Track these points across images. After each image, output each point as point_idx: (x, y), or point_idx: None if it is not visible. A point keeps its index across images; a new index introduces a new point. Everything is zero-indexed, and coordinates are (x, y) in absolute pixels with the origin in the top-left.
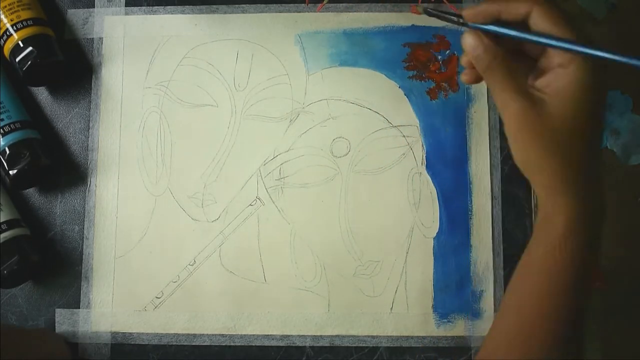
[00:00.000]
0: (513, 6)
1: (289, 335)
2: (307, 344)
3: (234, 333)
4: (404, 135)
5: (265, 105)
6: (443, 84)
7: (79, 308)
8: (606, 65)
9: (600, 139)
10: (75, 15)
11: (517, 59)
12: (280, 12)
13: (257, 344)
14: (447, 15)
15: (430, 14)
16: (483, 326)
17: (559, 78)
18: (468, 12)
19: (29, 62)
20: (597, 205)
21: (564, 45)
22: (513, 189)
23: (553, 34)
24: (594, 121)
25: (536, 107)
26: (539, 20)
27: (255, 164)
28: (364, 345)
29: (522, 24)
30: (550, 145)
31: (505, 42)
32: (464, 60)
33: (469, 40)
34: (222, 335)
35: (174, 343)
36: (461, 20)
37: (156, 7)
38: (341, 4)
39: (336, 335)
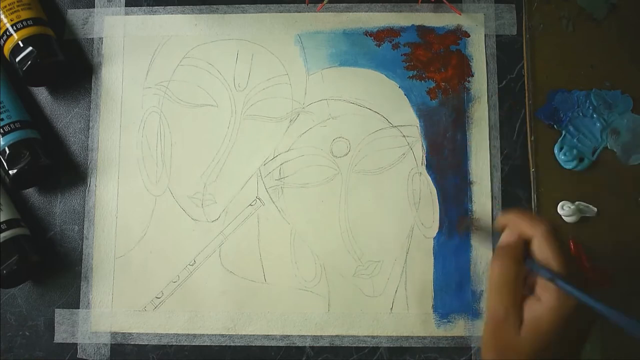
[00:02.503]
0: (524, 227)
1: (289, 335)
2: (307, 344)
3: (234, 333)
4: (404, 135)
5: (265, 105)
6: (443, 84)
7: (79, 308)
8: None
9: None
10: (75, 15)
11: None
12: (280, 12)
13: (257, 344)
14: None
15: (472, 229)
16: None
17: (536, 307)
18: (512, 227)
19: (29, 62)
20: None
21: (561, 285)
22: (513, 189)
23: (545, 264)
24: (559, 351)
25: (514, 325)
26: (537, 248)
27: (255, 164)
28: (364, 345)
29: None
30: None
31: None
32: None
33: (509, 235)
34: (222, 335)
35: (174, 343)
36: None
37: (156, 7)
38: (341, 4)
39: (336, 335)
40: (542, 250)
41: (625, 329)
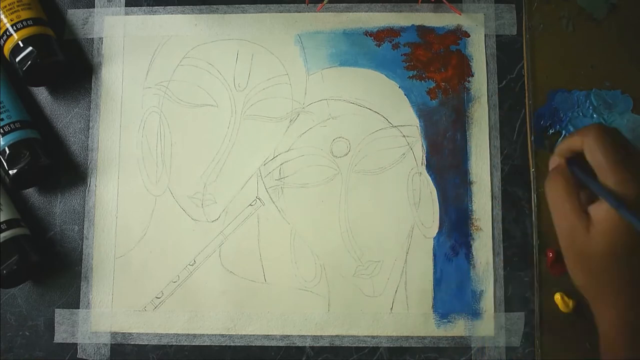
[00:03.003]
0: (572, 141)
1: (289, 335)
2: (307, 344)
3: (234, 333)
4: (404, 135)
5: (265, 105)
6: (443, 84)
7: (79, 308)
8: None
9: None
10: (75, 15)
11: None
12: (280, 12)
13: (257, 344)
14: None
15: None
16: (483, 326)
17: (600, 206)
18: (558, 147)
19: (29, 62)
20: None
21: (604, 197)
22: (513, 189)
23: (598, 173)
24: (626, 250)
25: (581, 230)
26: (588, 154)
27: (255, 164)
28: (364, 345)
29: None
30: (585, 268)
31: None
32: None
33: (554, 160)
34: (222, 335)
35: (174, 343)
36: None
37: (156, 7)
38: (341, 4)
39: (336, 335)
40: (593, 157)
41: None
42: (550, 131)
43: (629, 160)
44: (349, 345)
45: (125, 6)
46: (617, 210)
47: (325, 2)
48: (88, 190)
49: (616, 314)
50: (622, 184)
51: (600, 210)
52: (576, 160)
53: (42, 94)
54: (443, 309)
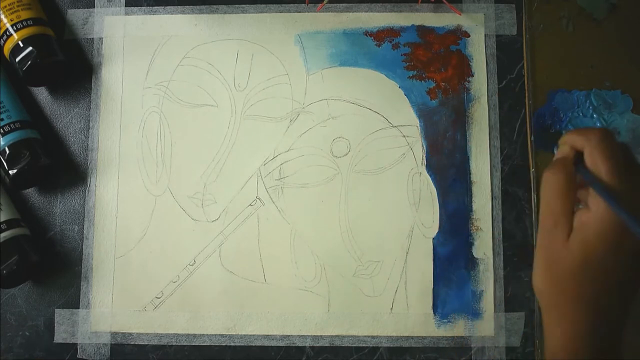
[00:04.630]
0: (576, 139)
1: (289, 335)
2: (307, 344)
3: (234, 333)
4: (404, 135)
5: (265, 105)
6: (443, 84)
7: (79, 308)
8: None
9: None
10: (75, 15)
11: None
12: (280, 12)
13: (257, 344)
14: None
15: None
16: (483, 326)
17: (584, 214)
18: (565, 138)
19: (29, 62)
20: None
21: (603, 196)
22: (513, 189)
23: (596, 172)
24: (610, 267)
25: (562, 233)
26: (588, 157)
27: (255, 164)
28: (364, 345)
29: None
30: (554, 275)
31: None
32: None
33: (563, 150)
34: (222, 335)
35: (174, 343)
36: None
37: (156, 7)
38: (341, 4)
39: (336, 335)
40: (593, 158)
41: None
42: (551, 131)
43: (628, 174)
44: (349, 345)
45: (125, 6)
46: (620, 214)
47: (325, 2)
48: (88, 190)
49: (569, 329)
50: (620, 195)
51: (586, 218)
52: (582, 159)
53: (42, 94)
54: (443, 309)
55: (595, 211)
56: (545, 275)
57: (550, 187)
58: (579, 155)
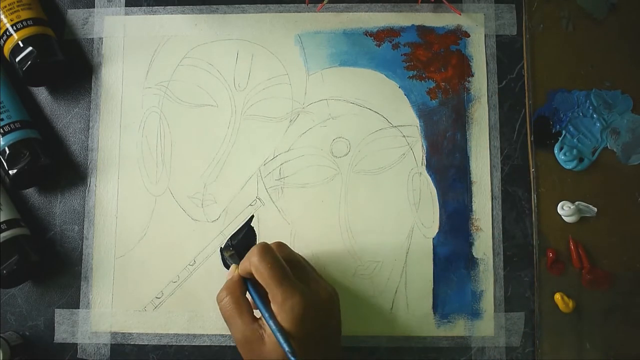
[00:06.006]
0: (245, 264)
1: None
2: None
3: None
4: (404, 135)
5: (265, 105)
6: (443, 84)
7: (79, 308)
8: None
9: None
10: (75, 15)
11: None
12: (280, 12)
13: None
14: (230, 262)
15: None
16: (483, 326)
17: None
18: (236, 267)
19: (29, 62)
20: None
21: (267, 321)
22: (513, 189)
23: (266, 287)
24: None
25: (257, 342)
26: (256, 275)
27: (255, 164)
28: (364, 345)
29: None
30: None
31: None
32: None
33: (230, 273)
34: (222, 336)
35: (174, 343)
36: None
37: (156, 7)
38: (341, 4)
39: None
40: (260, 277)
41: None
42: (552, 131)
43: (291, 275)
44: (349, 345)
45: (125, 6)
46: (275, 336)
47: (325, 2)
48: (88, 190)
49: None
50: (287, 301)
51: (269, 325)
52: (254, 280)
53: (42, 94)
54: (443, 309)
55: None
56: None
57: (226, 311)
58: (251, 279)
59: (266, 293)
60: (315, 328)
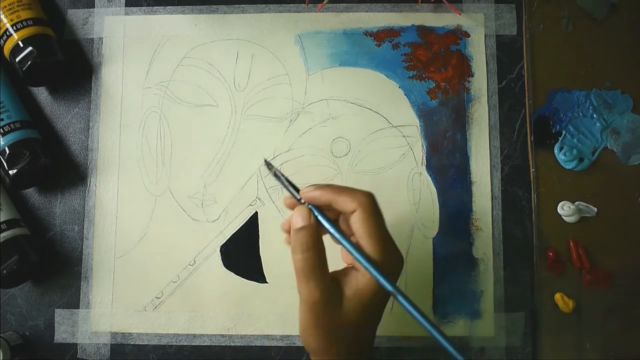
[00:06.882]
0: (343, 200)
1: (289, 335)
2: None
3: (234, 333)
4: (404, 135)
5: (265, 105)
6: (443, 84)
7: (79, 308)
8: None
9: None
10: (75, 15)
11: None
12: (280, 12)
13: (257, 344)
14: (289, 187)
15: (276, 177)
16: (483, 326)
17: (357, 279)
18: (306, 192)
19: (29, 62)
20: None
21: (365, 265)
22: (513, 189)
23: (363, 240)
24: (378, 313)
25: (335, 303)
26: (356, 223)
27: (255, 164)
28: None
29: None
30: (335, 336)
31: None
32: (285, 227)
33: (299, 216)
34: (222, 335)
35: (174, 343)
36: (298, 197)
37: (156, 7)
38: (341, 4)
39: None
40: (361, 224)
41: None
42: (552, 131)
43: (389, 237)
44: None
45: (125, 6)
46: (375, 277)
47: (325, 2)
48: (88, 191)
49: None
50: (390, 254)
51: (359, 283)
52: (329, 219)
53: (42, 94)
54: (443, 309)
55: (364, 274)
56: (317, 334)
57: (304, 265)
58: (328, 220)
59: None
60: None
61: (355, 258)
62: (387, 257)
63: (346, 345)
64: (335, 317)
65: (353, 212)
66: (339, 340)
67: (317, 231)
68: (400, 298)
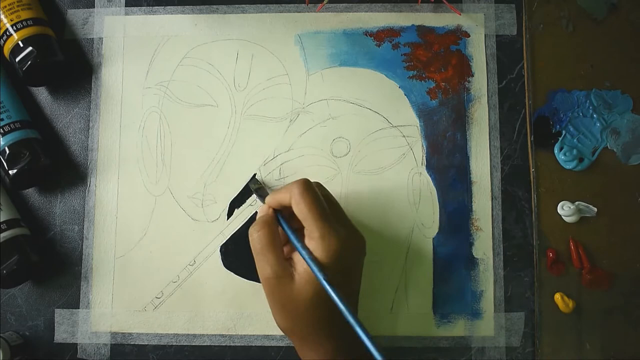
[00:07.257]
0: (282, 197)
1: None
2: None
3: (234, 333)
4: (404, 135)
5: (265, 105)
6: (443, 84)
7: (79, 308)
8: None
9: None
10: (75, 15)
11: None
12: (280, 12)
13: (257, 344)
14: (259, 196)
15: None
16: (483, 326)
17: (303, 262)
18: (268, 199)
19: (29, 62)
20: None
21: (300, 251)
22: (513, 189)
23: (305, 223)
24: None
25: (286, 278)
26: (295, 210)
27: (255, 164)
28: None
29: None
30: (292, 312)
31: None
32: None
33: (263, 208)
34: (222, 335)
35: (174, 343)
36: (264, 202)
37: (156, 7)
38: (341, 4)
39: None
40: (299, 211)
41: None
42: (552, 131)
43: (330, 213)
44: None
45: (125, 6)
46: (309, 264)
47: (325, 2)
48: (88, 190)
49: (321, 350)
50: (325, 237)
51: (303, 261)
52: (285, 214)
53: (42, 94)
54: (443, 309)
55: (313, 250)
56: (284, 316)
57: (259, 242)
58: (282, 214)
59: (298, 228)
60: (346, 268)
61: (289, 238)
62: (327, 234)
63: (314, 326)
64: (288, 291)
65: (290, 202)
66: (301, 317)
67: (272, 218)
68: (324, 283)
